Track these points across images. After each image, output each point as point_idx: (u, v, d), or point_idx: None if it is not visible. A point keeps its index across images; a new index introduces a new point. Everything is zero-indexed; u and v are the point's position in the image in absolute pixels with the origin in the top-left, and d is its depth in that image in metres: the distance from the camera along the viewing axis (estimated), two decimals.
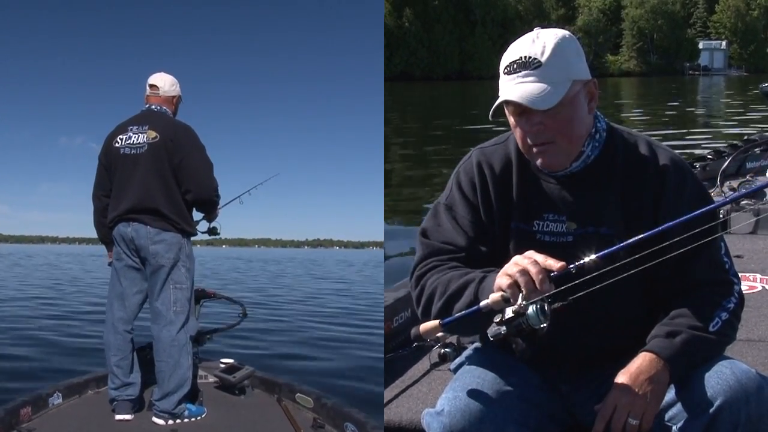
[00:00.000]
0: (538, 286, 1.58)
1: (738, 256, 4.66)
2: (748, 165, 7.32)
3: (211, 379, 3.87)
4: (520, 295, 1.59)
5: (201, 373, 3.84)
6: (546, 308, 1.57)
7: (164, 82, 3.52)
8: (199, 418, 3.35)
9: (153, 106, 3.48)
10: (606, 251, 1.62)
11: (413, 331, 1.78)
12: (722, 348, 1.77)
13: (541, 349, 1.73)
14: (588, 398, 1.84)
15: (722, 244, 1.85)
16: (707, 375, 1.67)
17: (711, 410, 1.62)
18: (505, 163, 1.92)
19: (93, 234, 3.50)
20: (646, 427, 1.65)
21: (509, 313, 1.58)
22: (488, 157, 1.94)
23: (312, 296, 15.08)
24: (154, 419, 3.26)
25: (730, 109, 33.60)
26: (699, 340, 1.71)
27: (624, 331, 1.85)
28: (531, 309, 1.57)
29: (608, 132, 1.88)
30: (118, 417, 3.29)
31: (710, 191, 2.36)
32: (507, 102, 1.76)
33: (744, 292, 1.85)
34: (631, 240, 1.64)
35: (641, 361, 1.69)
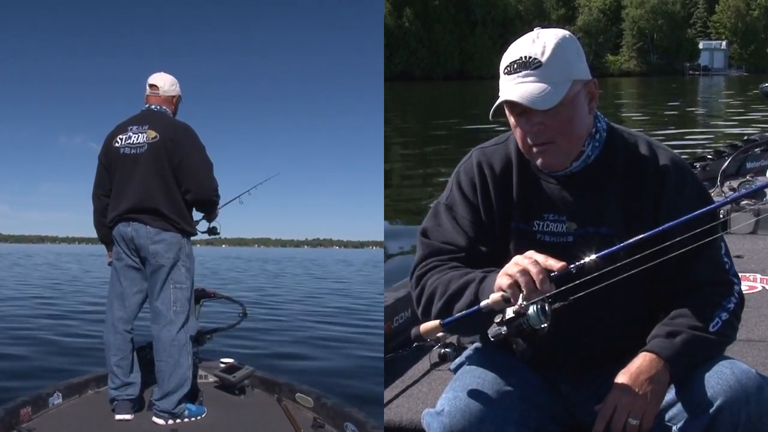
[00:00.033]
0: (538, 286, 1.58)
1: (738, 256, 4.66)
2: (749, 165, 7.32)
3: (211, 379, 3.87)
4: (521, 295, 1.59)
5: (201, 372, 3.84)
6: (546, 308, 1.57)
7: (164, 81, 3.52)
8: (199, 417, 3.35)
9: (153, 106, 3.48)
10: (606, 251, 1.62)
11: (414, 331, 1.78)
12: (722, 348, 1.77)
13: (542, 349, 1.73)
14: (588, 398, 1.84)
15: (722, 244, 1.85)
16: (707, 375, 1.67)
17: (711, 410, 1.62)
18: (506, 163, 1.92)
19: (93, 234, 3.50)
20: (646, 427, 1.65)
21: (510, 313, 1.58)
22: (488, 157, 1.94)
23: (312, 296, 15.09)
24: (154, 419, 3.26)
25: (731, 109, 33.60)
26: (699, 340, 1.71)
27: (624, 331, 1.85)
28: (531, 309, 1.57)
29: (608, 132, 1.88)
30: (118, 417, 3.29)
31: (710, 191, 2.36)
32: (507, 102, 1.76)
33: (744, 292, 1.85)
34: (631, 240, 1.64)
35: (641, 361, 1.69)
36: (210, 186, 3.37)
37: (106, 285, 3.53)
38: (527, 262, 1.61)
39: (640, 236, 1.62)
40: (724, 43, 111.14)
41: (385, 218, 10.45)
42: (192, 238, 3.42)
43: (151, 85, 3.51)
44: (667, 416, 1.70)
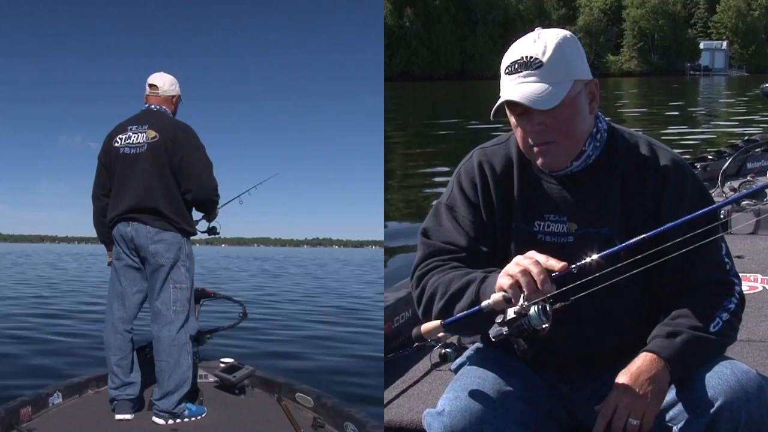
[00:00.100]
0: (539, 286, 1.58)
1: (739, 257, 4.65)
2: (749, 165, 7.31)
3: (211, 379, 3.87)
4: (522, 295, 1.59)
5: (201, 372, 3.84)
6: (548, 309, 1.57)
7: (164, 81, 3.52)
8: (199, 417, 3.35)
9: (152, 106, 3.48)
10: (607, 251, 1.62)
11: (414, 331, 1.78)
12: (723, 348, 1.77)
13: (543, 349, 1.73)
14: (589, 398, 1.84)
15: (723, 244, 1.85)
16: (708, 375, 1.67)
17: (712, 411, 1.61)
18: (506, 164, 1.92)
19: (93, 233, 3.50)
20: (646, 427, 1.65)
21: (511, 313, 1.58)
22: (489, 157, 1.94)
23: (312, 295, 15.08)
24: (154, 419, 3.26)
25: (731, 109, 33.60)
26: (700, 341, 1.71)
27: (625, 332, 1.85)
28: (533, 309, 1.57)
29: (609, 132, 1.88)
30: (118, 416, 3.29)
31: (711, 191, 2.36)
32: (508, 102, 1.76)
33: (744, 292, 1.85)
34: (632, 240, 1.64)
35: (642, 361, 1.69)
36: (210, 186, 3.36)
37: (105, 284, 3.52)
38: (528, 262, 1.61)
39: (641, 236, 1.62)
40: (724, 43, 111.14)
41: (385, 218, 10.44)
42: (192, 237, 3.42)
43: (151, 85, 3.51)
44: (668, 416, 1.70)
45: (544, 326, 1.57)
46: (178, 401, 3.26)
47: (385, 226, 9.94)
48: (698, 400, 1.64)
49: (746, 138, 8.69)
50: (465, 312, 1.71)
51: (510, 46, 1.81)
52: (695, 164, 7.36)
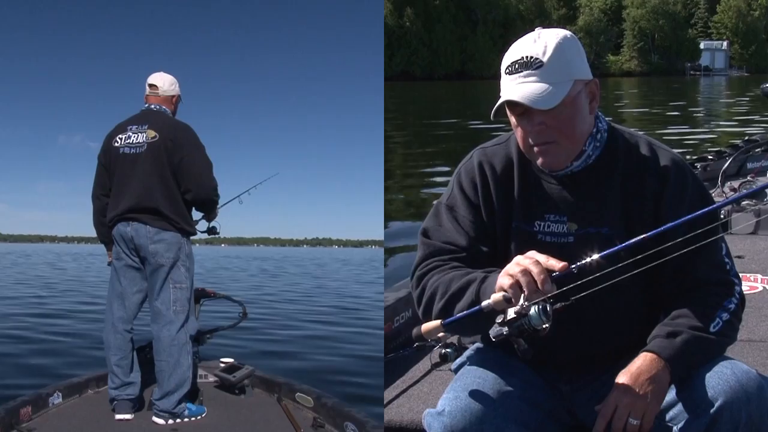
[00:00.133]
0: (540, 286, 1.58)
1: (739, 257, 4.65)
2: (749, 165, 7.31)
3: (211, 379, 3.87)
4: (522, 295, 1.59)
5: (201, 372, 3.84)
6: (548, 309, 1.57)
7: (163, 81, 3.52)
8: (199, 417, 3.35)
9: (152, 106, 3.48)
10: (607, 251, 1.62)
11: (414, 331, 1.78)
12: (723, 348, 1.77)
13: (543, 349, 1.73)
14: (589, 398, 1.84)
15: (723, 244, 1.84)
16: (708, 375, 1.67)
17: (712, 411, 1.61)
18: (507, 164, 1.92)
19: (92, 233, 3.50)
20: (646, 427, 1.65)
21: (511, 313, 1.58)
22: (489, 157, 1.94)
23: (311, 295, 15.08)
24: (154, 419, 3.26)
25: (731, 109, 33.60)
26: (700, 341, 1.71)
27: (625, 332, 1.85)
28: (533, 309, 1.57)
29: (609, 132, 1.88)
30: (118, 416, 3.29)
31: (711, 191, 2.36)
32: (508, 102, 1.75)
33: (745, 292, 1.85)
34: (632, 240, 1.64)
35: (642, 361, 1.69)
36: (210, 186, 3.36)
37: (104, 284, 3.52)
38: (529, 262, 1.61)
39: (641, 237, 1.62)
40: (725, 43, 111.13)
41: (385, 218, 10.44)
42: (191, 237, 3.42)
43: (151, 85, 3.51)
44: (668, 416, 1.70)
45: (544, 326, 1.57)
46: (178, 401, 3.26)
47: (385, 226, 9.93)
48: (698, 400, 1.64)
49: (746, 138, 8.70)
50: (465, 312, 1.71)
51: (510, 46, 1.81)
52: (695, 164, 7.36)
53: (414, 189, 13.60)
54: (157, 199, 3.25)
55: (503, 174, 1.91)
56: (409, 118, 31.74)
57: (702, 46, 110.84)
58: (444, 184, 2.02)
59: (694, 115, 31.38)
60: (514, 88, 1.74)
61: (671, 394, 1.70)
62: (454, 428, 1.69)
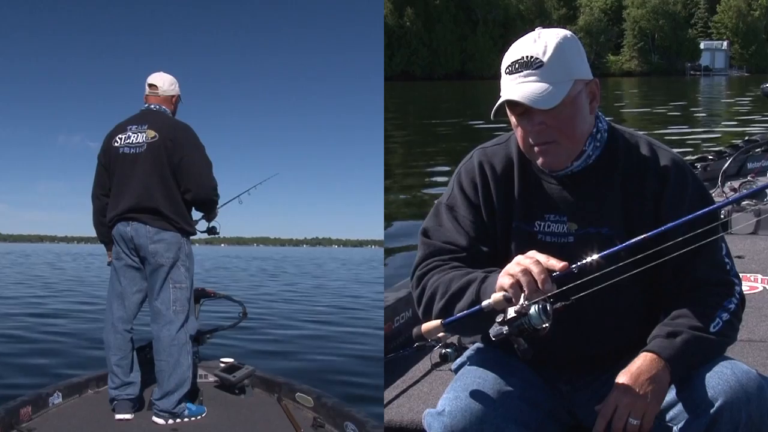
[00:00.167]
0: (540, 285, 1.58)
1: (739, 257, 4.65)
2: (749, 165, 7.31)
3: (211, 379, 3.87)
4: (522, 294, 1.59)
5: (201, 372, 3.84)
6: (548, 308, 1.57)
7: (163, 81, 3.52)
8: (199, 417, 3.35)
9: (152, 106, 3.48)
10: (607, 251, 1.62)
11: (415, 330, 1.78)
12: (723, 348, 1.77)
13: (543, 349, 1.73)
14: (589, 398, 1.84)
15: (723, 244, 1.84)
16: (708, 375, 1.67)
17: (712, 411, 1.61)
18: (507, 164, 1.92)
19: (92, 233, 3.50)
20: (646, 427, 1.65)
21: (511, 312, 1.58)
22: (490, 157, 1.94)
23: (311, 295, 15.08)
24: (154, 418, 3.26)
25: (731, 109, 33.60)
26: (700, 341, 1.71)
27: (625, 332, 1.85)
28: (533, 309, 1.56)
29: (609, 132, 1.88)
30: (118, 416, 3.29)
31: (711, 192, 2.35)
32: (509, 101, 1.75)
33: (745, 292, 1.85)
34: (632, 240, 1.63)
35: (642, 361, 1.69)
36: (209, 186, 3.36)
37: (104, 284, 3.52)
38: (529, 261, 1.61)
39: (641, 237, 1.62)
40: (725, 43, 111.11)
41: (385, 217, 10.44)
42: (191, 237, 3.42)
43: (151, 85, 3.51)
44: (668, 416, 1.70)
45: (544, 325, 1.57)
46: (178, 401, 3.26)
47: (385, 226, 9.93)
48: (698, 400, 1.64)
49: (746, 138, 8.69)
50: (465, 311, 1.71)
51: (510, 45, 1.81)
52: (695, 164, 7.35)
53: (414, 189, 13.60)
54: (157, 199, 3.25)
55: (503, 174, 1.91)
56: (409, 118, 31.75)
57: (702, 46, 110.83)
58: (444, 184, 2.02)
59: (694, 115, 31.37)
60: (515, 87, 1.74)
61: (671, 394, 1.70)
62: (454, 428, 1.69)
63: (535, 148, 1.80)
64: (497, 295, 1.61)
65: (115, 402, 3.31)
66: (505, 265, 1.66)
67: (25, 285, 16.88)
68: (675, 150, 1.92)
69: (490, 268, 1.78)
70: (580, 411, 1.89)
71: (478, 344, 2.03)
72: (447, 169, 14.20)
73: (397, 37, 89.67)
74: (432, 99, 47.96)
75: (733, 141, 9.55)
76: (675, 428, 1.68)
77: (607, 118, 1.91)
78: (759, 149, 7.60)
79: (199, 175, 3.31)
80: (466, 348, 2.05)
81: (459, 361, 1.99)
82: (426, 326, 1.75)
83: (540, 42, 1.76)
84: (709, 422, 1.61)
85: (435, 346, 2.63)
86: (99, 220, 3.45)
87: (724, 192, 6.00)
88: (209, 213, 3.61)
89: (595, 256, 1.60)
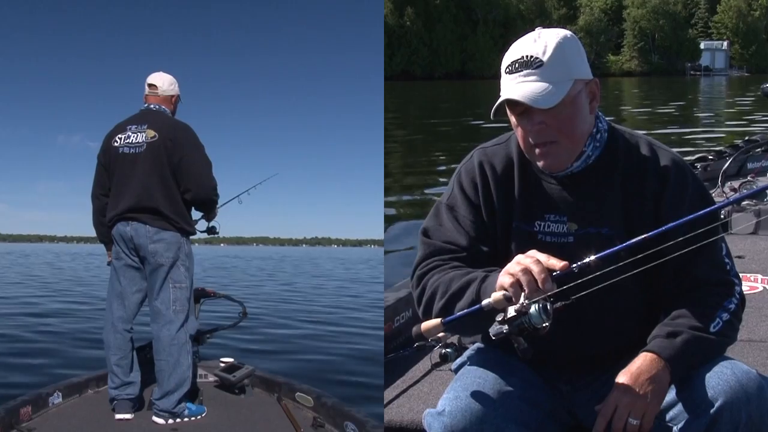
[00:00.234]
0: (540, 285, 1.58)
1: (739, 257, 4.65)
2: (750, 165, 7.31)
3: (211, 378, 3.87)
4: (522, 294, 1.59)
5: (201, 372, 3.84)
6: (548, 307, 1.57)
7: (163, 81, 3.51)
8: (199, 417, 3.35)
9: (152, 106, 3.47)
10: (608, 251, 1.62)
11: (415, 329, 1.78)
12: (723, 348, 1.77)
13: (543, 349, 1.73)
14: (589, 398, 1.84)
15: (723, 244, 1.84)
16: (708, 375, 1.67)
17: (712, 411, 1.61)
18: (507, 163, 1.92)
19: (92, 233, 3.50)
20: (646, 427, 1.65)
21: (511, 312, 1.58)
22: (490, 157, 1.94)
23: (311, 295, 15.08)
24: (154, 418, 3.26)
25: (731, 110, 33.60)
26: (700, 341, 1.71)
27: (625, 332, 1.85)
28: (533, 308, 1.57)
29: (609, 132, 1.88)
30: (118, 416, 3.29)
31: (711, 192, 2.35)
32: (509, 101, 1.75)
33: (745, 292, 1.85)
34: (632, 240, 1.63)
35: (642, 361, 1.69)
36: (209, 185, 3.36)
37: (103, 284, 3.52)
38: (529, 261, 1.61)
39: (642, 237, 1.62)
40: (725, 43, 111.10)
41: (385, 217, 10.44)
42: (191, 237, 3.42)
43: (150, 85, 3.51)
44: (668, 416, 1.70)
45: (544, 325, 1.57)
46: (178, 401, 3.26)
47: (385, 226, 9.93)
48: (698, 400, 1.64)
49: (747, 138, 8.69)
50: (465, 311, 1.71)
51: (510, 45, 1.81)
52: (695, 164, 7.35)
53: (414, 189, 13.59)
54: (157, 198, 3.25)
55: (503, 174, 1.91)
56: (409, 118, 31.74)
57: (702, 46, 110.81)
58: (444, 184, 2.02)
59: (694, 115, 31.37)
60: (514, 87, 1.74)
61: (671, 394, 1.70)
62: (454, 428, 1.69)
63: (536, 150, 1.79)
64: (497, 294, 1.61)
65: (115, 402, 3.31)
66: (505, 265, 1.66)
67: (24, 285, 16.88)
68: (675, 150, 1.92)
69: (490, 267, 1.78)
70: (580, 411, 1.89)
71: (478, 344, 2.03)
72: (447, 168, 14.20)
73: (398, 36, 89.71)
74: (432, 99, 47.95)
75: (734, 141, 9.55)
76: (675, 428, 1.68)
77: (607, 118, 1.91)
78: (759, 149, 7.61)
79: (199, 175, 3.31)
80: (466, 348, 2.05)
81: (459, 361, 1.99)
82: (426, 325, 1.75)
83: (540, 42, 1.76)
84: (709, 422, 1.61)
85: (435, 346, 2.63)
86: (99, 219, 3.45)
87: (724, 192, 6.00)
88: (209, 213, 3.61)
89: (595, 256, 1.60)
